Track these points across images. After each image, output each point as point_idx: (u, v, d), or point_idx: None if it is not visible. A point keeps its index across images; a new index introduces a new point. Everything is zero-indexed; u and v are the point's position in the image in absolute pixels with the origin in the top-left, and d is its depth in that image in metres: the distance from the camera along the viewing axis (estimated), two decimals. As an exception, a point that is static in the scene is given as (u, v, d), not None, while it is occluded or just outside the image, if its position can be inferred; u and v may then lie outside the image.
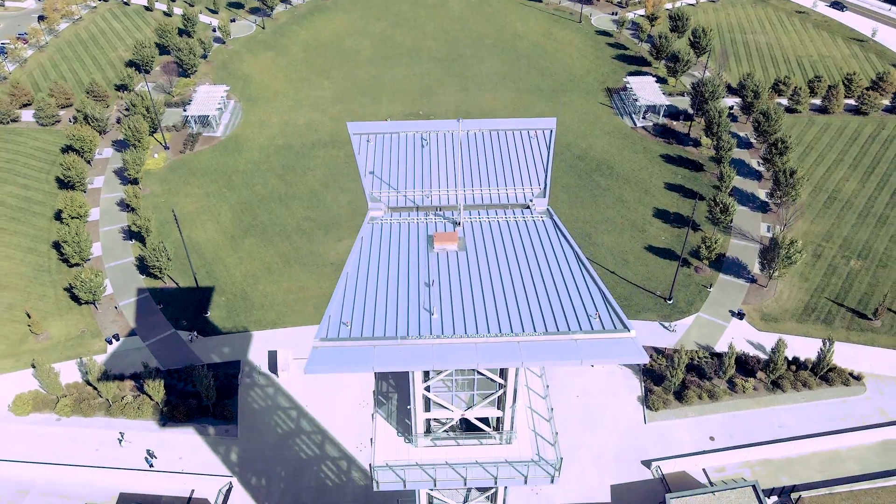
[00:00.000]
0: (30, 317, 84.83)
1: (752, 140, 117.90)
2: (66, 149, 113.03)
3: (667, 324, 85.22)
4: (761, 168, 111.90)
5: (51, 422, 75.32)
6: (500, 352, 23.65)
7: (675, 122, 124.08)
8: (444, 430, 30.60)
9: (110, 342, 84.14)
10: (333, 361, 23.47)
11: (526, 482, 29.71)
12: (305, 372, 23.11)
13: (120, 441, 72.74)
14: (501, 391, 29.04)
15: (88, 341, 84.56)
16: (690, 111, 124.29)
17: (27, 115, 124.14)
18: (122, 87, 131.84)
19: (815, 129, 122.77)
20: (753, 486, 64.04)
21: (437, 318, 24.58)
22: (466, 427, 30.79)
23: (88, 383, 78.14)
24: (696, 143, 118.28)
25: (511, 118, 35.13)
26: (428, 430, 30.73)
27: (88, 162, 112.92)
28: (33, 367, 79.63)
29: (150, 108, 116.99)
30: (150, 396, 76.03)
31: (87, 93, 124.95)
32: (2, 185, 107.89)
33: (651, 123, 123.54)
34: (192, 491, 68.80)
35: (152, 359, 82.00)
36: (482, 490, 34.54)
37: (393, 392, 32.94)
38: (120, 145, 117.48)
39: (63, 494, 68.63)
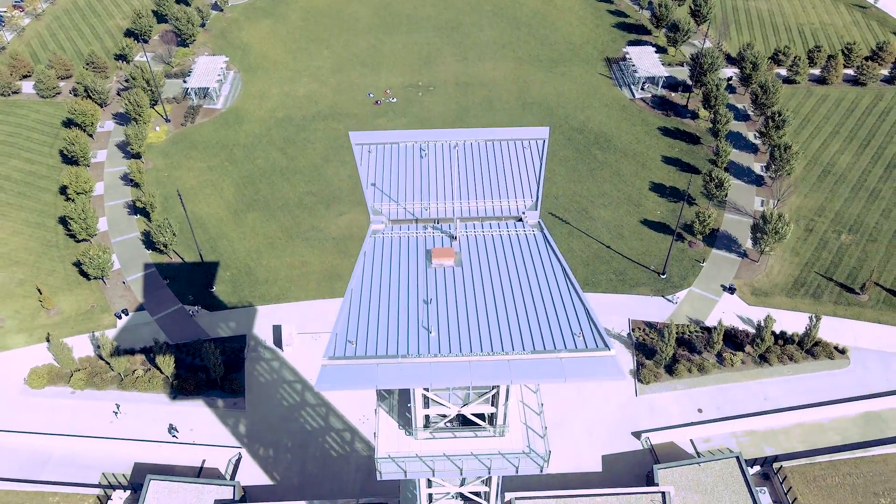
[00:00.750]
0: (41, 292, 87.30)
1: (750, 112, 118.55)
2: (68, 122, 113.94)
3: (669, 296, 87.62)
4: (757, 141, 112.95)
5: (65, 395, 78.40)
6: (492, 370, 25.91)
7: (673, 94, 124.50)
8: (442, 425, 33.12)
9: (119, 317, 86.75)
10: (340, 379, 25.77)
11: (517, 472, 32.41)
12: (316, 389, 25.43)
13: (116, 413, 75.76)
14: (495, 390, 31.43)
15: (98, 316, 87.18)
16: (689, 82, 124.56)
17: (27, 87, 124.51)
18: (120, 58, 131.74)
19: (813, 100, 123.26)
20: (737, 458, 67.44)
21: (434, 336, 26.80)
22: (463, 421, 33.29)
23: (100, 357, 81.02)
24: (694, 116, 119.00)
25: (505, 127, 36.52)
26: (427, 424, 33.25)
27: (90, 135, 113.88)
28: (47, 341, 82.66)
29: (150, 81, 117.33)
30: (160, 370, 78.96)
31: (87, 64, 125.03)
32: (6, 159, 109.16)
33: (650, 95, 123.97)
34: (204, 461, 72.26)
35: (161, 333, 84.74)
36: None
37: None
38: (121, 118, 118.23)
39: (81, 464, 72.10)
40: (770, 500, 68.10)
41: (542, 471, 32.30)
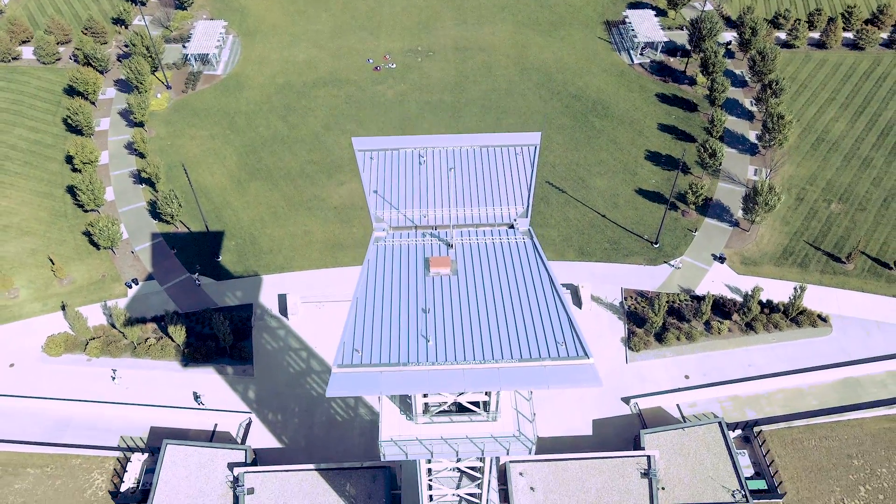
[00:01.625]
0: (53, 262, 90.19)
1: (748, 78, 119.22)
2: (70, 89, 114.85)
3: (673, 262, 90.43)
4: (754, 108, 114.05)
5: (81, 362, 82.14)
6: (483, 378, 28.86)
7: (672, 59, 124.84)
8: (440, 411, 36.38)
9: (130, 286, 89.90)
10: (349, 386, 28.83)
11: (508, 454, 35.82)
12: (328, 395, 28.44)
13: (113, 378, 79.59)
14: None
15: (109, 285, 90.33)
16: (688, 47, 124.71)
17: (27, 53, 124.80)
18: (118, 21, 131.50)
19: (811, 65, 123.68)
20: (719, 423, 71.40)
21: (432, 344, 29.68)
22: (459, 408, 36.52)
23: (113, 326, 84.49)
24: (692, 82, 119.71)
25: (498, 133, 38.68)
26: (426, 410, 36.49)
27: (93, 103, 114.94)
28: (63, 310, 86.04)
29: (150, 48, 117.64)
30: (171, 339, 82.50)
31: (85, 30, 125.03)
32: (11, 127, 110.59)
33: (648, 60, 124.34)
34: (216, 425, 76.45)
35: (170, 302, 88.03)
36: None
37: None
38: (122, 84, 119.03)
39: (100, 428, 76.33)
40: (749, 461, 72.42)
41: (530, 453, 35.69)
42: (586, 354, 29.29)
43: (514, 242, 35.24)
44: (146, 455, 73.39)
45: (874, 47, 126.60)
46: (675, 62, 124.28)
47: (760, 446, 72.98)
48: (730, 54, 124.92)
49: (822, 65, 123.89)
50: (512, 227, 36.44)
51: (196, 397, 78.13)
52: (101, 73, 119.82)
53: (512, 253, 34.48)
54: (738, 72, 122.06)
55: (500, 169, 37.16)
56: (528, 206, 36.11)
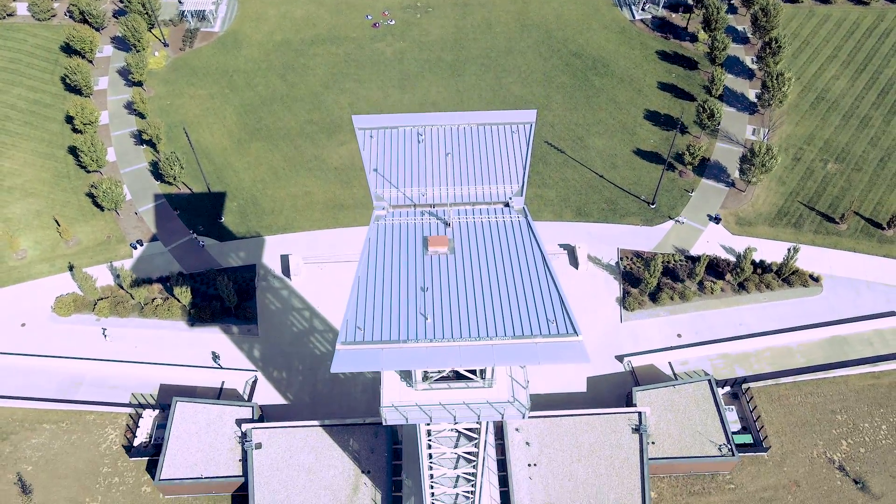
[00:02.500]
0: (58, 224, 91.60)
1: (750, 35, 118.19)
2: (66, 47, 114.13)
3: (680, 219, 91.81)
4: (754, 66, 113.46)
5: (91, 322, 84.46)
6: (478, 354, 30.70)
7: (674, 15, 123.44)
8: (438, 378, 38.39)
9: (135, 247, 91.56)
10: (352, 362, 30.70)
11: (503, 419, 38.03)
12: (332, 371, 30.33)
13: (104, 335, 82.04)
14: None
15: (115, 246, 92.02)
16: (690, 2, 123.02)
17: (22, 9, 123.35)
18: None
19: (814, 21, 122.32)
20: (709, 381, 74.09)
21: (430, 322, 31.40)
22: (456, 375, 38.52)
23: (120, 286, 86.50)
24: (694, 39, 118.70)
25: (494, 111, 39.63)
26: (425, 377, 38.50)
27: (90, 62, 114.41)
28: (70, 271, 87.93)
29: (145, 4, 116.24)
30: (177, 299, 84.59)
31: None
32: (9, 87, 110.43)
33: (650, 16, 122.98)
34: (223, 382, 79.28)
35: (175, 263, 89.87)
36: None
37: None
38: (119, 42, 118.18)
39: (112, 385, 79.23)
40: (736, 417, 75.41)
41: (524, 417, 37.85)
42: (576, 332, 31.05)
43: (508, 221, 36.68)
44: (157, 411, 76.43)
45: (879, 2, 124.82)
46: (677, 18, 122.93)
47: (748, 402, 75.85)
48: (732, 9, 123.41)
49: (825, 20, 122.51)
50: (507, 205, 37.82)
51: (214, 357, 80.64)
52: (98, 30, 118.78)
53: (507, 231, 35.95)
54: (740, 28, 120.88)
55: (497, 147, 38.29)
56: (523, 185, 37.40)
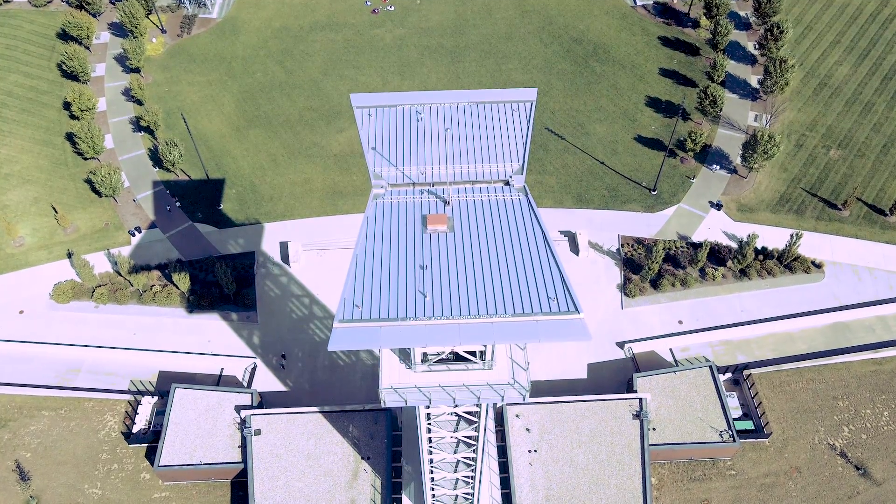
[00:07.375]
0: (56, 211, 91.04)
1: (752, 21, 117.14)
2: (63, 34, 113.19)
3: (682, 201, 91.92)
4: (756, 52, 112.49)
5: (89, 309, 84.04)
6: (478, 332, 30.22)
7: (675, 0, 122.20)
8: (438, 360, 37.96)
9: (133, 234, 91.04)
10: (350, 339, 30.21)
11: (503, 401, 37.63)
12: (329, 349, 29.86)
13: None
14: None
15: (113, 233, 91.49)
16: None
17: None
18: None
19: (817, 6, 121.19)
20: (710, 367, 73.74)
21: (429, 300, 30.91)
22: (456, 356, 38.08)
23: (119, 273, 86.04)
24: (696, 24, 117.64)
25: (494, 89, 39.05)
26: (424, 359, 38.07)
27: (87, 48, 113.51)
28: (68, 257, 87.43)
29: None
30: (176, 286, 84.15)
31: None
32: (6, 73, 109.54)
33: (651, 2, 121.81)
34: (222, 369, 78.93)
35: (173, 250, 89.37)
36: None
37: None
38: (116, 28, 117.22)
39: (110, 372, 78.94)
40: (737, 403, 75.09)
41: (524, 399, 37.43)
42: (577, 309, 30.56)
43: (509, 199, 36.13)
44: (156, 398, 76.13)
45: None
46: (679, 3, 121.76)
47: (749, 389, 75.52)
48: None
49: (828, 6, 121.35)
50: (507, 183, 37.25)
51: (282, 358, 79.35)
52: (94, 16, 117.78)
53: (507, 210, 35.41)
54: (742, 13, 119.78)
55: (497, 125, 37.68)
56: (523, 163, 36.81)
